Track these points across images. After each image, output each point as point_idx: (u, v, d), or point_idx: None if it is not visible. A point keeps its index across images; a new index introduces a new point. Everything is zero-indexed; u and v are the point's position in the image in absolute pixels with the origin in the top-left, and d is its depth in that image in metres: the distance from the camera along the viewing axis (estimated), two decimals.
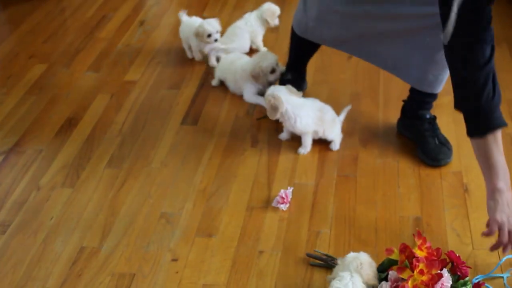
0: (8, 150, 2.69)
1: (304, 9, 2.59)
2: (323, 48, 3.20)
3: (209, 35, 3.06)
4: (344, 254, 2.06)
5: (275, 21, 3.22)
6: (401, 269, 1.80)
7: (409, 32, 2.29)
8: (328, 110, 2.54)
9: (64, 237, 2.25)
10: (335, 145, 2.57)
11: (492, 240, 1.96)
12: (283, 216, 2.28)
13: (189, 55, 3.26)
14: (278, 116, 2.49)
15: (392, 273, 1.85)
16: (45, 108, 2.96)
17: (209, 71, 3.12)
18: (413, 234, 1.92)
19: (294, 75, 2.87)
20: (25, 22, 3.76)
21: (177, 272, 2.09)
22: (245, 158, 2.56)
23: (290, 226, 2.24)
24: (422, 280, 1.77)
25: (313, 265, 2.08)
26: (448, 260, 1.87)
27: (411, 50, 2.34)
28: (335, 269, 1.91)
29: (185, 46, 3.26)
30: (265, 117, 2.66)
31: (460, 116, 2.67)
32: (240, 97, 2.93)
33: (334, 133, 2.55)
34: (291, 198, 2.33)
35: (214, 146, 2.63)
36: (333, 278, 1.85)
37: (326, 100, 2.58)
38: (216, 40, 3.09)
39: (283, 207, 2.30)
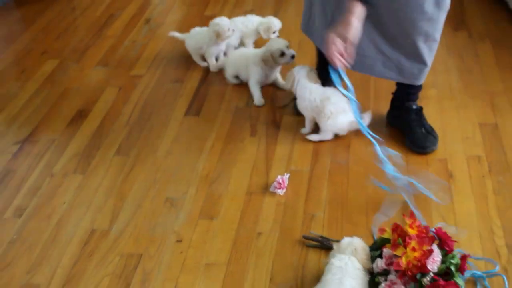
0: (23, 140, 2.71)
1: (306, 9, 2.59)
2: None
3: (229, 29, 3.02)
4: (337, 235, 2.09)
5: (270, 35, 3.11)
6: (395, 247, 1.83)
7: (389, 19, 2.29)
8: (336, 103, 2.48)
9: (76, 220, 2.27)
10: (314, 136, 2.56)
11: None
12: (280, 201, 2.30)
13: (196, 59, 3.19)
14: (289, 87, 2.58)
15: (386, 251, 1.87)
16: (57, 101, 2.97)
17: None
18: (403, 214, 1.94)
19: (323, 73, 2.80)
20: (38, 20, 3.76)
21: (181, 252, 2.11)
22: (245, 146, 2.58)
23: (286, 210, 2.25)
24: (415, 256, 1.80)
25: (308, 246, 2.10)
26: (436, 237, 1.90)
27: (392, 48, 2.35)
28: (331, 253, 1.93)
29: (196, 58, 3.17)
30: (287, 105, 2.69)
31: (445, 107, 2.72)
32: (240, 89, 2.94)
33: (324, 124, 2.52)
34: (288, 184, 2.35)
35: (215, 135, 2.65)
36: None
37: None
38: (233, 30, 3.04)
39: (280, 192, 2.32)
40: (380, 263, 1.87)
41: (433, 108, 2.69)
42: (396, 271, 1.83)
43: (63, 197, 2.38)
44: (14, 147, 2.67)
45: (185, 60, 3.21)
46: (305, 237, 2.12)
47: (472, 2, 3.50)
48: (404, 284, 1.83)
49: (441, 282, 1.80)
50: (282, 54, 2.78)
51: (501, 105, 2.69)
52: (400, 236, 1.85)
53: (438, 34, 2.31)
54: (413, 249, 1.80)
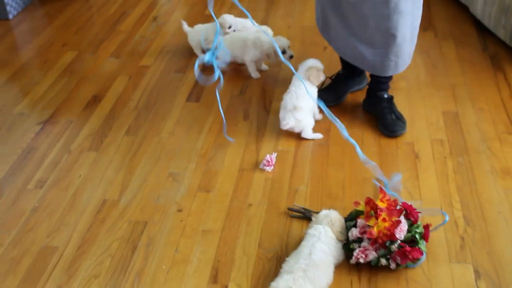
0: (45, 121, 2.67)
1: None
2: (303, 39, 3.19)
3: (230, 26, 2.99)
4: (318, 207, 2.07)
5: None
6: (368, 218, 1.82)
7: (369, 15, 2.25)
8: (285, 98, 2.42)
9: (90, 192, 2.24)
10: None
11: None
12: (268, 176, 2.27)
13: (198, 53, 3.13)
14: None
15: (360, 221, 1.86)
16: (75, 87, 2.92)
17: None
18: (376, 182, 1.92)
19: (345, 70, 2.70)
20: (59, 16, 3.70)
21: (181, 221, 2.08)
22: (238, 129, 2.55)
23: (274, 184, 2.23)
24: (385, 226, 1.78)
25: (292, 217, 2.08)
26: (403, 209, 1.88)
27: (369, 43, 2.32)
28: (310, 224, 1.91)
29: (197, 51, 3.10)
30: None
31: (413, 97, 2.69)
32: (235, 78, 2.90)
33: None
34: (275, 162, 2.32)
35: (213, 119, 2.61)
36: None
37: None
38: (234, 30, 3.01)
39: (269, 169, 2.29)
40: (354, 232, 1.86)
41: (402, 98, 2.66)
42: (369, 239, 1.82)
43: (79, 171, 2.35)
44: (37, 127, 2.63)
45: (188, 53, 3.16)
46: (289, 209, 2.10)
47: (438, 6, 3.47)
48: (375, 250, 1.81)
49: (407, 248, 1.79)
50: (283, 52, 2.74)
51: (461, 96, 2.67)
52: (372, 209, 1.83)
53: (399, 33, 2.25)
54: (384, 220, 1.79)
